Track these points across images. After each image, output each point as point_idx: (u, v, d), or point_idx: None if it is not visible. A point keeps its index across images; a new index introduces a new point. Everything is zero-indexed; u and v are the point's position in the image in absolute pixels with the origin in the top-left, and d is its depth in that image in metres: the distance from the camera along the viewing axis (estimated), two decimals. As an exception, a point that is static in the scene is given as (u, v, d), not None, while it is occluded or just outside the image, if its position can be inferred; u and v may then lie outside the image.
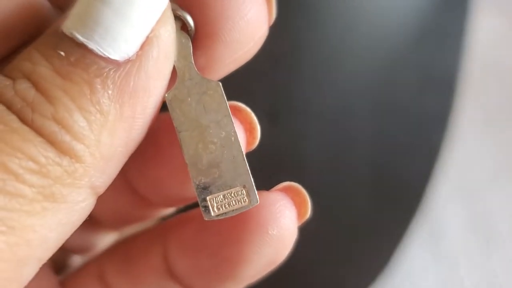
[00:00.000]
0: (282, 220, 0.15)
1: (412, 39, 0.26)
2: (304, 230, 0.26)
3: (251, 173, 0.14)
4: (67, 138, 0.12)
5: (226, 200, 0.14)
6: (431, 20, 0.27)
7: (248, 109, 0.15)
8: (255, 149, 0.16)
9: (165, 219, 0.18)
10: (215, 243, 0.15)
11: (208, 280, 0.16)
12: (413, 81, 0.27)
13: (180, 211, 0.18)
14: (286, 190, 0.15)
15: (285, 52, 0.25)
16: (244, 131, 0.15)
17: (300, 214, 0.15)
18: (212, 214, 0.14)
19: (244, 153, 0.14)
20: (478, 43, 0.31)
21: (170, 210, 0.19)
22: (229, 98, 0.15)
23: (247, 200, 0.14)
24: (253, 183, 0.14)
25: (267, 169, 0.24)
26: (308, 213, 0.15)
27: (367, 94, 0.26)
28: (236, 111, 0.15)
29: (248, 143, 0.15)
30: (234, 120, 0.15)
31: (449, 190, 0.29)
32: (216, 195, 0.14)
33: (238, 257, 0.15)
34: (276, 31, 0.25)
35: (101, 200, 0.14)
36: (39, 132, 0.12)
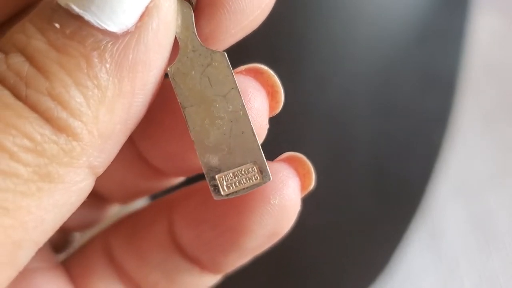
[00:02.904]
0: (284, 190, 0.14)
1: (412, 39, 0.26)
2: (304, 230, 0.26)
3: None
4: (63, 114, 0.11)
5: (236, 178, 0.13)
6: (431, 20, 0.27)
7: (270, 71, 0.14)
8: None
9: (168, 191, 0.18)
10: (217, 214, 0.15)
11: (212, 252, 0.15)
12: (413, 81, 0.27)
13: (187, 181, 0.18)
14: (289, 161, 0.15)
15: (285, 52, 0.25)
16: (266, 95, 0.14)
17: (303, 185, 0.15)
18: (222, 193, 0.13)
19: (253, 128, 0.13)
20: (478, 43, 0.31)
21: (180, 179, 0.18)
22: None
23: (259, 177, 0.13)
24: (265, 159, 0.13)
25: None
26: (312, 184, 0.15)
27: (367, 94, 0.26)
28: (257, 73, 0.14)
29: (271, 107, 0.14)
30: (255, 83, 0.14)
31: (449, 190, 0.29)
32: (225, 173, 0.13)
33: (240, 227, 0.14)
34: (276, 30, 0.25)
35: (108, 174, 0.14)
36: (34, 108, 0.11)
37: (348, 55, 0.26)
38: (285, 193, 0.14)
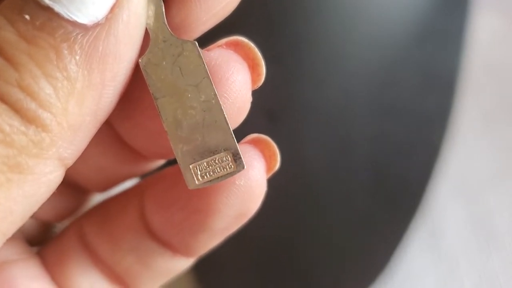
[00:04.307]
0: (250, 171, 0.14)
1: (412, 39, 0.26)
2: (305, 230, 0.26)
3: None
4: (32, 106, 0.11)
5: (210, 167, 0.13)
6: (431, 20, 0.27)
7: (251, 44, 0.14)
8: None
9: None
10: (186, 196, 0.15)
11: (182, 234, 0.16)
12: (413, 81, 0.27)
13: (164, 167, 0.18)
14: (255, 143, 0.15)
15: (285, 52, 0.25)
16: (248, 68, 0.14)
17: (269, 166, 0.15)
18: (196, 182, 0.13)
19: (226, 117, 0.13)
20: (478, 43, 0.31)
21: (160, 163, 0.18)
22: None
23: (233, 165, 0.14)
24: (238, 148, 0.14)
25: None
26: (277, 166, 0.15)
27: (367, 94, 0.26)
28: (237, 46, 0.14)
29: (253, 80, 0.14)
30: (236, 57, 0.14)
31: (449, 190, 0.29)
32: (199, 162, 0.13)
33: (207, 208, 0.15)
34: (276, 30, 0.25)
35: (87, 161, 0.14)
36: (2, 99, 0.11)
37: (348, 55, 0.26)
38: (251, 174, 0.14)
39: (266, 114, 0.25)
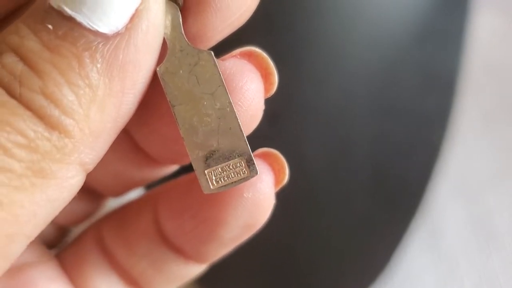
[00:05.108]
0: (258, 184, 0.15)
1: (412, 39, 0.26)
2: (305, 230, 0.26)
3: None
4: (56, 112, 0.12)
5: (225, 172, 0.14)
6: (431, 20, 0.27)
7: (264, 54, 0.15)
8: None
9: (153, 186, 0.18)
10: (196, 204, 0.16)
11: (193, 241, 0.16)
12: (413, 81, 0.27)
13: (176, 174, 0.18)
14: (264, 156, 0.15)
15: (285, 52, 0.25)
16: (261, 77, 0.14)
17: (278, 179, 0.15)
18: (211, 187, 0.14)
19: (240, 124, 0.14)
20: (478, 42, 0.31)
21: (173, 169, 0.19)
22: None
23: (246, 171, 0.14)
24: (252, 154, 0.14)
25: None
26: (286, 179, 0.16)
27: (367, 94, 0.26)
28: (251, 56, 0.14)
29: (266, 89, 0.15)
30: (250, 66, 0.14)
31: (449, 190, 0.29)
32: (214, 168, 0.14)
33: (215, 218, 0.15)
34: (276, 30, 0.25)
35: (103, 167, 0.14)
36: (27, 106, 0.12)
37: (348, 55, 0.26)
38: (259, 187, 0.15)
39: (265, 115, 0.25)
